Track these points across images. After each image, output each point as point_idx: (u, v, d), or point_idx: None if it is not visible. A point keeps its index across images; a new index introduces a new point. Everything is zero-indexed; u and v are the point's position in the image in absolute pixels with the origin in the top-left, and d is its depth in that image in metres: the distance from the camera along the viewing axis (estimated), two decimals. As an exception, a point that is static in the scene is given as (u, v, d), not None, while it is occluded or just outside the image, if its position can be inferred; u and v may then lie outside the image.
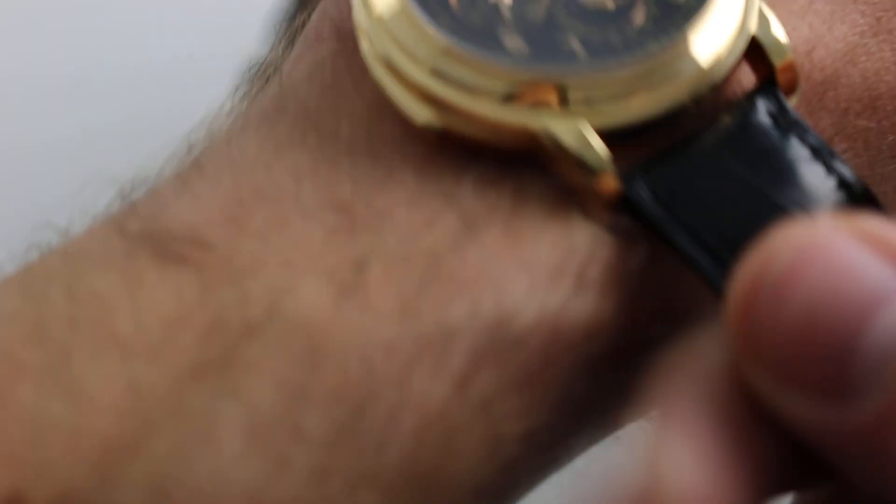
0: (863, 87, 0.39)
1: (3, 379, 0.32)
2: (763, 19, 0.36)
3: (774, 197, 0.34)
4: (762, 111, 0.36)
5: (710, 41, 0.35)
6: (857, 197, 0.35)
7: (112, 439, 0.31)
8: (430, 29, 0.34)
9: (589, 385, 0.34)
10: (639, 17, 0.35)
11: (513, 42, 0.34)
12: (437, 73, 0.34)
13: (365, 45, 0.35)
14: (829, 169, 0.35)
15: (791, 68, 0.36)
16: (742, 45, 0.35)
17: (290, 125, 0.36)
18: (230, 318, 0.32)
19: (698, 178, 0.34)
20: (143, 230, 0.34)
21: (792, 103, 0.36)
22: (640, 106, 0.34)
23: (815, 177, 0.35)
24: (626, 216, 0.34)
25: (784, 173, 0.35)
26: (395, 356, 0.32)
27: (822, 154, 0.35)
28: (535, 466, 0.35)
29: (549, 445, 0.35)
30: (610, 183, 0.33)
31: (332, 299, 0.32)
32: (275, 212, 0.34)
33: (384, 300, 0.32)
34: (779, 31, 0.36)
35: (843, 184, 0.35)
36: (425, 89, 0.34)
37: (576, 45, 0.35)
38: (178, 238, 0.34)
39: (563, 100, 0.34)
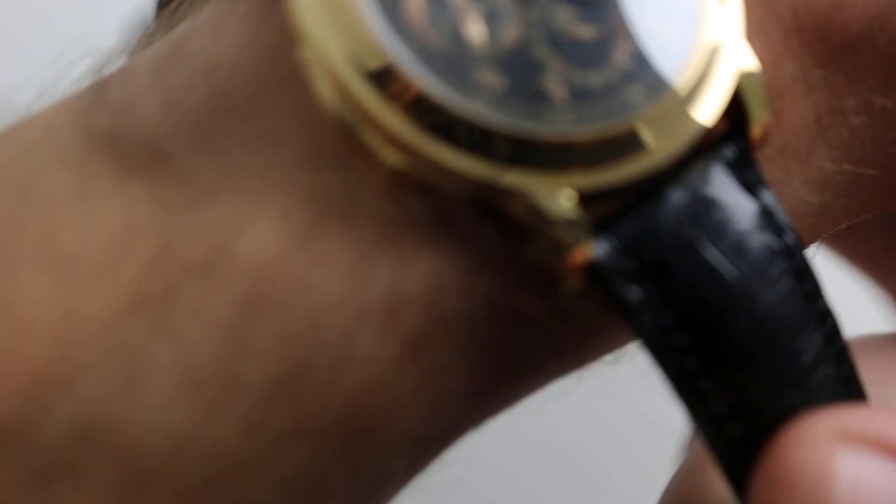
0: (889, 52, 0.38)
1: None
2: (748, 74, 0.34)
3: (731, 267, 0.33)
4: (727, 163, 0.34)
5: (695, 95, 0.33)
6: (800, 272, 0.34)
7: (41, 369, 0.30)
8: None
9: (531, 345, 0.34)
10: (619, 51, 0.33)
11: (485, 77, 0.32)
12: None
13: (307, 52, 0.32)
14: (779, 235, 0.35)
15: (767, 128, 0.34)
16: (725, 99, 0.34)
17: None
18: (177, 251, 0.31)
19: (664, 246, 0.33)
20: (108, 128, 0.33)
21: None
22: (625, 166, 0.32)
23: (763, 245, 0.34)
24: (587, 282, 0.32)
25: (739, 240, 0.34)
26: (343, 313, 0.31)
27: (773, 218, 0.35)
28: (477, 422, 0.35)
29: (493, 405, 0.35)
30: (584, 255, 0.32)
31: (284, 245, 0.31)
32: (245, 130, 0.32)
33: (339, 253, 0.31)
34: (761, 86, 0.34)
35: (787, 252, 0.35)
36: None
37: (556, 88, 0.32)
38: (140, 145, 0.32)
39: (543, 157, 0.32)
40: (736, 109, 0.34)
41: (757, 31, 0.36)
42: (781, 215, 0.35)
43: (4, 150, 0.33)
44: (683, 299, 0.33)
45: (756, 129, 0.34)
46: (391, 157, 0.31)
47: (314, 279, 0.31)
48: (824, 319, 0.35)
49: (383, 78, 0.31)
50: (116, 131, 0.32)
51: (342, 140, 0.32)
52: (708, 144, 0.34)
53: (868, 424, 0.34)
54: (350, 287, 0.31)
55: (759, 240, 0.34)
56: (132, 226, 0.31)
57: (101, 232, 0.31)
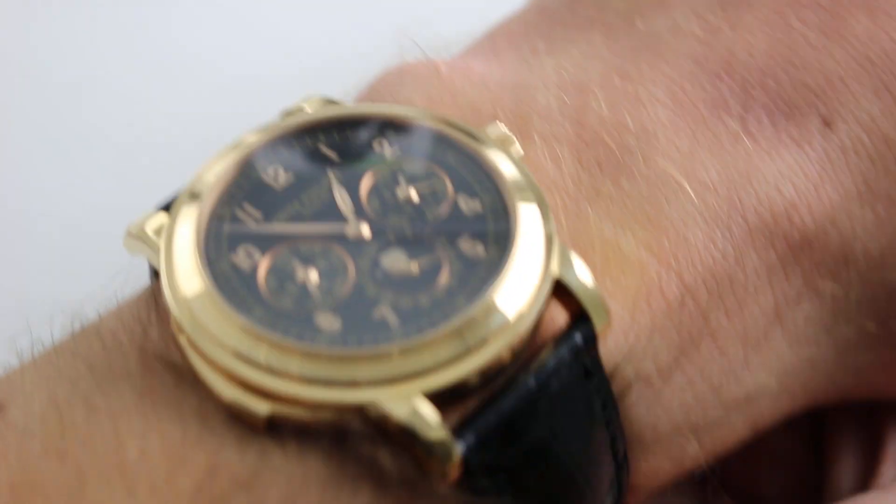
0: (839, 246, 0.43)
1: (19, 491, 0.36)
2: (565, 261, 0.39)
3: (563, 453, 0.39)
4: (573, 350, 0.38)
5: (515, 293, 0.37)
6: (620, 466, 0.41)
7: None
8: (233, 313, 0.37)
9: None
10: (444, 277, 0.38)
11: (325, 320, 0.37)
12: (239, 356, 0.36)
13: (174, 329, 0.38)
14: (608, 425, 0.40)
15: (604, 310, 0.39)
16: (548, 290, 0.38)
17: None
18: (223, 479, 0.36)
19: (517, 440, 0.37)
20: (155, 350, 0.38)
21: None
22: (460, 365, 0.37)
23: (603, 440, 0.40)
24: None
25: (581, 431, 0.39)
26: None
27: (606, 407, 0.40)
28: None
29: None
30: (455, 469, 0.36)
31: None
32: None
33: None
34: (583, 273, 0.39)
35: (613, 442, 0.40)
36: (231, 371, 0.37)
37: (388, 314, 0.37)
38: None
39: (384, 373, 0.36)
40: (567, 298, 0.39)
41: (721, 230, 0.42)
42: (610, 400, 0.40)
43: (73, 366, 0.39)
44: (520, 486, 0.37)
45: (599, 327, 0.39)
46: (263, 406, 0.36)
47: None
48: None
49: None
50: (164, 354, 0.38)
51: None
52: (556, 335, 0.38)
53: None
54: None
55: (588, 424, 0.39)
56: (184, 441, 0.36)
57: (160, 446, 0.36)
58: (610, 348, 0.40)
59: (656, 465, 0.43)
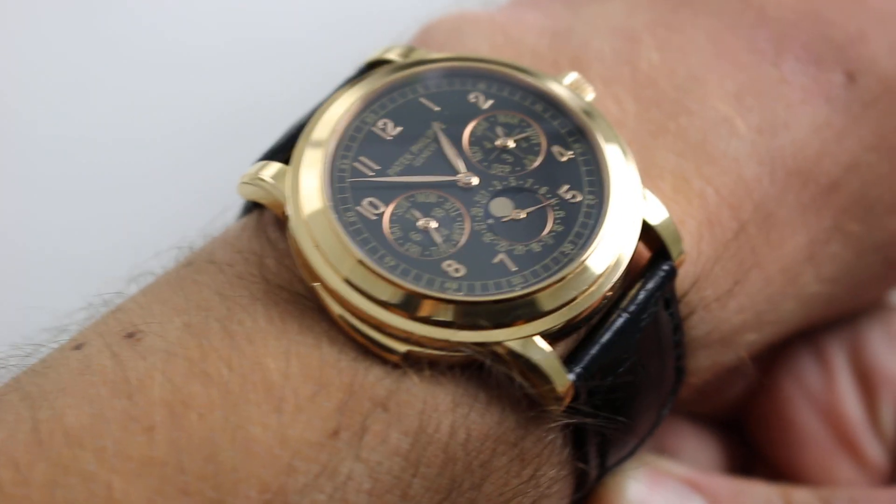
0: (860, 192, 0.48)
1: (175, 409, 0.39)
2: (654, 207, 0.44)
3: (652, 380, 0.44)
4: (657, 284, 0.44)
5: (613, 238, 0.42)
6: (678, 378, 0.46)
7: (268, 492, 0.38)
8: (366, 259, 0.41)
9: None
10: (549, 223, 0.43)
11: (451, 267, 0.41)
12: (373, 299, 0.41)
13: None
14: (677, 346, 0.45)
15: (680, 245, 0.44)
16: (637, 231, 0.43)
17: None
18: (362, 399, 0.40)
19: (614, 369, 0.43)
20: (282, 281, 0.42)
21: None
22: (570, 308, 0.42)
23: (671, 358, 0.45)
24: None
25: (657, 351, 0.44)
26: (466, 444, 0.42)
27: (677, 332, 0.45)
28: None
29: None
30: (568, 395, 0.41)
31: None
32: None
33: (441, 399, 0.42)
34: (661, 211, 0.44)
35: (678, 359, 0.46)
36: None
37: (506, 260, 0.41)
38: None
39: (508, 317, 0.41)
40: (651, 239, 0.44)
41: (768, 170, 0.47)
42: (680, 324, 0.45)
43: (202, 294, 0.42)
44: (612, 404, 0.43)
45: (677, 259, 0.44)
46: (401, 347, 0.41)
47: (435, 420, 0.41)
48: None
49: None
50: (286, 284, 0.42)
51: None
52: (640, 271, 0.43)
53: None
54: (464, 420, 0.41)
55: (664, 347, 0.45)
56: (322, 364, 0.40)
57: (300, 368, 0.40)
58: (681, 277, 0.45)
59: (695, 377, 0.49)
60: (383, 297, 0.40)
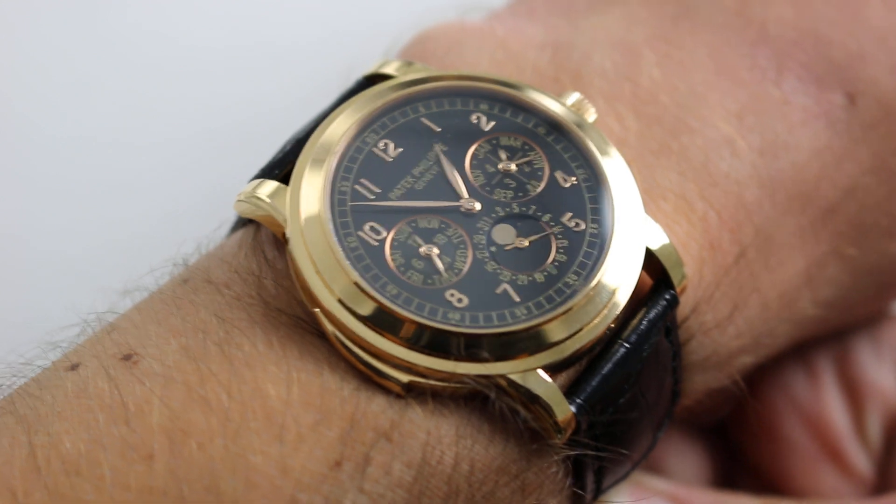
0: (857, 216, 0.48)
1: (174, 437, 0.38)
2: (656, 233, 0.43)
3: (650, 406, 0.44)
4: (658, 314, 0.43)
5: (617, 267, 0.42)
6: (674, 401, 0.46)
7: None
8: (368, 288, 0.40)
9: None
10: (553, 252, 0.42)
11: (454, 297, 0.41)
12: (371, 324, 0.40)
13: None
14: (675, 371, 0.45)
15: (682, 271, 0.44)
16: (641, 260, 0.43)
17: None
18: (365, 430, 0.39)
19: (615, 401, 0.42)
20: (280, 304, 0.41)
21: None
22: (573, 341, 0.41)
23: (668, 383, 0.45)
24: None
25: (656, 378, 0.44)
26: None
27: (676, 357, 0.45)
28: None
29: None
30: (569, 427, 0.41)
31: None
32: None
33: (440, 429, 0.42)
34: (662, 237, 0.43)
35: (675, 384, 0.46)
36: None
37: (509, 290, 0.41)
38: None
39: (511, 350, 0.40)
40: (653, 267, 0.43)
41: (769, 193, 0.46)
42: (679, 351, 0.45)
43: (199, 316, 0.41)
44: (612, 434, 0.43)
45: (679, 286, 0.44)
46: (403, 377, 0.40)
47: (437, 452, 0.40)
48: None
49: (377, 319, 0.40)
50: (285, 307, 0.41)
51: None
52: (642, 298, 0.43)
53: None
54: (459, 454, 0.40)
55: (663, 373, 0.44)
56: (323, 391, 0.39)
57: (300, 395, 0.39)
58: (682, 302, 0.44)
59: (688, 399, 0.49)
60: (381, 325, 0.40)
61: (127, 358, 0.41)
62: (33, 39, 0.72)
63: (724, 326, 0.46)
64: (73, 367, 0.41)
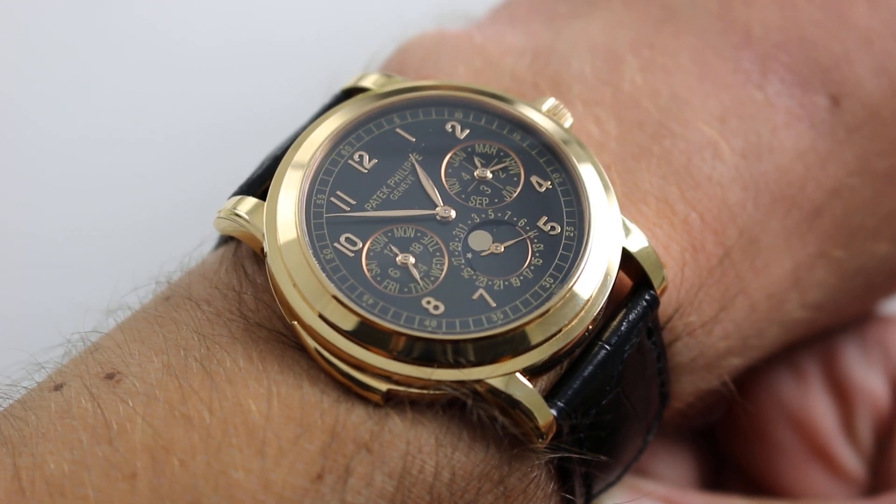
0: (843, 218, 0.48)
1: (156, 455, 0.38)
2: (626, 229, 0.43)
3: (637, 409, 0.44)
4: (640, 314, 0.43)
5: (594, 270, 0.42)
6: (663, 403, 0.46)
7: None
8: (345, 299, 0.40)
9: None
10: (528, 256, 0.42)
11: (430, 305, 0.41)
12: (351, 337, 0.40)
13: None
14: (661, 372, 0.45)
15: (662, 273, 0.44)
16: (618, 262, 0.43)
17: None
18: (346, 442, 0.40)
19: (597, 403, 0.42)
20: (260, 319, 0.42)
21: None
22: (550, 344, 0.41)
23: (655, 385, 0.45)
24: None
25: (641, 380, 0.44)
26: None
27: (661, 359, 0.45)
28: None
29: None
30: (550, 431, 0.41)
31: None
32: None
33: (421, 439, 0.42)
34: (642, 239, 0.43)
35: (662, 385, 0.45)
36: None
37: (485, 296, 0.41)
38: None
39: (488, 355, 0.41)
40: (632, 268, 0.43)
41: (752, 195, 0.46)
42: (664, 352, 0.45)
43: (180, 334, 0.41)
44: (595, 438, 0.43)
45: (659, 287, 0.44)
46: (382, 385, 0.41)
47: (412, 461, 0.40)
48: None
49: (359, 332, 0.41)
50: (264, 322, 0.41)
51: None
52: (622, 300, 0.43)
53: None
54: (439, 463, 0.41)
55: (647, 374, 0.44)
56: (303, 405, 0.40)
57: (281, 409, 0.40)
58: (664, 304, 0.45)
59: (679, 402, 0.49)
60: (360, 336, 0.40)
61: (110, 377, 0.41)
62: (33, 39, 0.73)
63: (710, 327, 0.46)
64: (57, 388, 0.41)
